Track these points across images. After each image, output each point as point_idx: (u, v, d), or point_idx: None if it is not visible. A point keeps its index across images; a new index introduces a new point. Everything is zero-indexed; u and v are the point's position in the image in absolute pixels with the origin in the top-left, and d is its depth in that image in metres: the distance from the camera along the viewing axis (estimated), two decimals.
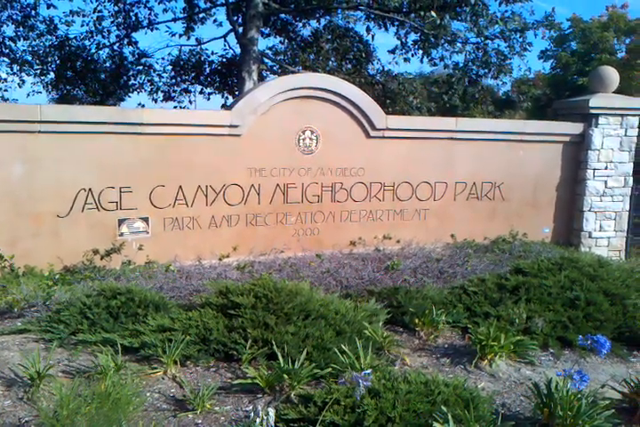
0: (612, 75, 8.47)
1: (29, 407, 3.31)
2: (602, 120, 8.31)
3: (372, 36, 14.42)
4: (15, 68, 15.22)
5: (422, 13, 11.80)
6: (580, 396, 3.27)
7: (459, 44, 13.65)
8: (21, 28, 14.55)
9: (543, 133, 8.33)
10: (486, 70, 13.97)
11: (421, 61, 15.93)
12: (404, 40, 14.04)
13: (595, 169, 8.39)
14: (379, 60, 15.51)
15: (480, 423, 3.04)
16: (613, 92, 8.58)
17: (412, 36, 13.86)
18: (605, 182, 8.47)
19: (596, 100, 8.26)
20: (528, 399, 3.73)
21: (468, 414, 3.01)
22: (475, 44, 13.66)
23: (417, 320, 4.80)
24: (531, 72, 16.10)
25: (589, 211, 8.46)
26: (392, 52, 14.71)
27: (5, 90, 16.01)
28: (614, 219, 8.58)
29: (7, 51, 14.90)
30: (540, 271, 5.60)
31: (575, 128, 8.42)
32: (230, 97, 15.59)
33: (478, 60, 13.75)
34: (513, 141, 8.18)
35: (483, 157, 8.07)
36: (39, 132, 5.89)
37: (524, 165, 8.29)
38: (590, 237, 8.53)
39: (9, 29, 14.67)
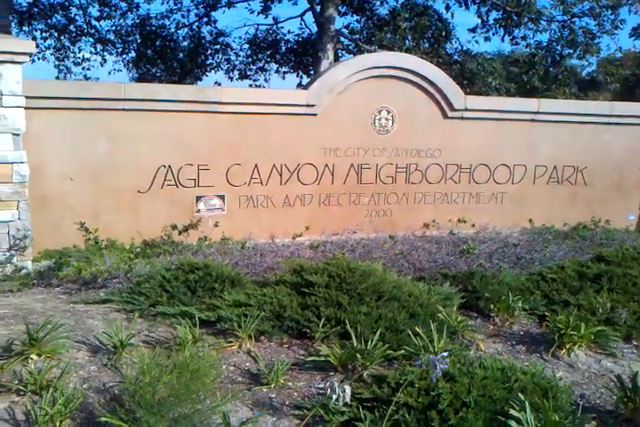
0: None
1: (113, 373, 3.46)
2: None
3: (452, 14, 14.07)
4: (99, 47, 15.73)
5: None
6: None
7: (543, 23, 13.11)
8: (105, 8, 14.99)
9: (631, 116, 7.91)
10: (571, 50, 13.38)
11: (502, 40, 15.37)
12: (485, 18, 13.63)
13: None
14: (457, 39, 15.10)
15: (558, 414, 2.94)
16: None
17: (494, 14, 13.43)
18: None
19: None
20: (610, 392, 3.59)
21: (547, 403, 2.93)
22: (561, 22, 13.08)
23: (492, 306, 4.70)
24: (621, 51, 15.25)
25: None
26: (472, 30, 14.31)
27: (88, 68, 16.58)
28: None
29: (93, 30, 15.41)
30: (625, 260, 5.37)
31: None
32: (305, 76, 15.60)
33: (563, 40, 13.17)
34: (599, 124, 7.83)
35: (565, 139, 7.75)
36: (122, 109, 6.06)
37: (609, 148, 7.91)
38: None
39: (94, 10, 15.17)
